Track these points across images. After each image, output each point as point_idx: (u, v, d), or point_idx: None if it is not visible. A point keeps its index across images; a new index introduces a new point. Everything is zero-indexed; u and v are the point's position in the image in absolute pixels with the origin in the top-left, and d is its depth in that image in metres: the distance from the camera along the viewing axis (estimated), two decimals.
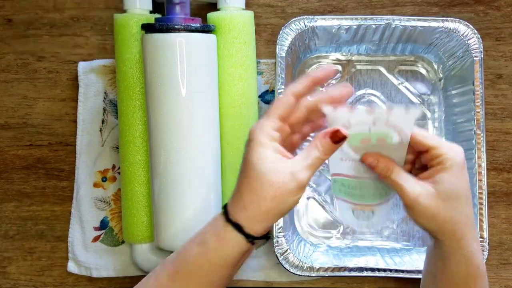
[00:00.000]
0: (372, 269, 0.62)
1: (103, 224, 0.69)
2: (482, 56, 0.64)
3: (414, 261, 0.64)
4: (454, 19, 0.64)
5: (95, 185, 0.69)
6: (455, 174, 0.48)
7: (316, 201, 0.69)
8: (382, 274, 0.62)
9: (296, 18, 0.64)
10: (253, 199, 0.46)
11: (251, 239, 0.47)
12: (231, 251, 0.47)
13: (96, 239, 0.69)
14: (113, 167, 0.70)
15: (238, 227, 0.46)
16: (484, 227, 0.62)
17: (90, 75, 0.70)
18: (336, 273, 0.62)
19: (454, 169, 0.48)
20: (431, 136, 0.49)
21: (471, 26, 0.64)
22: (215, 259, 0.48)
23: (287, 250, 0.62)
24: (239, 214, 0.47)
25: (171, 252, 0.65)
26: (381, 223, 0.66)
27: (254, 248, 0.49)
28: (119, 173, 0.69)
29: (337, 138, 0.46)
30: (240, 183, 0.47)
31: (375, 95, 0.70)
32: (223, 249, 0.47)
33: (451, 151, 0.48)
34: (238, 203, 0.47)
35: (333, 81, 0.70)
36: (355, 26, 0.64)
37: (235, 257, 0.48)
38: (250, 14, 0.65)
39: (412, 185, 0.48)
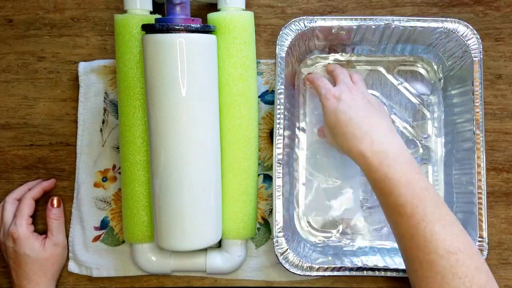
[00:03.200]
0: (372, 269, 0.62)
1: (104, 224, 0.69)
2: (481, 56, 0.64)
3: None
4: (453, 19, 0.64)
5: (96, 185, 0.69)
6: (325, 116, 0.60)
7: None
8: (382, 274, 0.62)
9: (296, 19, 0.64)
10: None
11: None
12: None
13: (96, 239, 0.69)
14: (114, 167, 0.70)
15: None
16: (484, 227, 0.62)
17: (90, 75, 0.70)
18: (336, 273, 0.62)
19: (325, 112, 0.60)
20: (318, 82, 0.63)
21: (470, 27, 0.64)
22: None
23: (287, 249, 0.62)
24: None
25: (171, 252, 0.66)
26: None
27: None
28: (119, 173, 0.69)
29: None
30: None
31: (374, 95, 0.70)
32: None
33: (323, 98, 0.60)
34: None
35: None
36: (354, 27, 0.65)
37: None
38: (250, 14, 0.65)
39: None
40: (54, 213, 0.67)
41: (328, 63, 0.69)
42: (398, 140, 0.57)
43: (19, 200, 0.67)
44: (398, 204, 0.53)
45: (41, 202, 0.69)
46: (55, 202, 0.68)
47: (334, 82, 0.64)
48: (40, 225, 0.70)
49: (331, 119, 0.59)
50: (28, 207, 0.66)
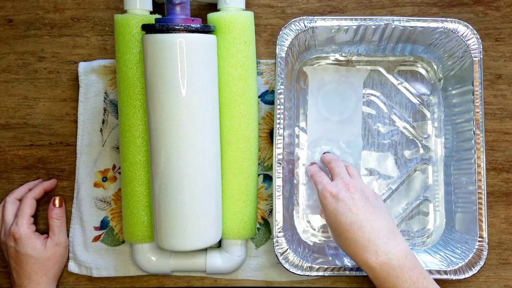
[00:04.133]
0: None
1: (104, 224, 0.69)
2: (481, 56, 0.64)
3: None
4: (453, 19, 0.64)
5: (96, 185, 0.69)
6: (325, 214, 0.59)
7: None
8: None
9: (296, 19, 0.64)
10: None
11: None
12: None
13: (96, 239, 0.69)
14: (114, 167, 0.70)
15: None
16: (484, 227, 0.63)
17: (90, 75, 0.70)
18: (336, 273, 0.62)
19: (324, 210, 0.60)
20: (316, 177, 0.63)
21: (470, 27, 0.64)
22: None
23: (287, 250, 0.62)
24: None
25: (171, 252, 0.66)
26: None
27: None
28: (119, 173, 0.69)
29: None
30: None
31: (374, 95, 0.70)
32: None
33: (320, 196, 0.60)
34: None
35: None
36: (354, 27, 0.65)
37: None
38: (250, 14, 0.65)
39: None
40: (56, 213, 0.67)
41: (324, 153, 0.68)
42: (402, 243, 0.57)
43: (20, 200, 0.67)
44: None
45: (42, 202, 0.69)
46: (57, 202, 0.68)
47: (331, 175, 0.64)
48: (40, 225, 0.70)
49: (331, 219, 0.58)
50: (29, 207, 0.66)
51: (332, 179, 0.62)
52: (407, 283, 0.54)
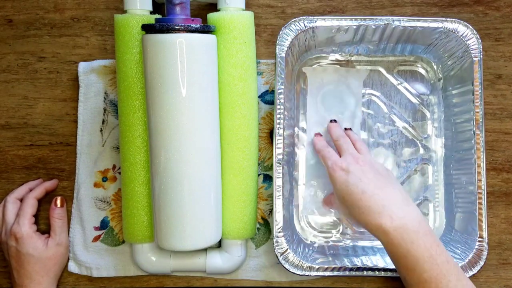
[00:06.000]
0: (372, 269, 0.62)
1: (104, 224, 0.69)
2: (481, 56, 0.64)
3: None
4: (453, 19, 0.64)
5: (96, 185, 0.69)
6: (335, 188, 0.60)
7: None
8: (382, 274, 0.62)
9: (296, 19, 0.64)
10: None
11: None
12: None
13: (96, 239, 0.69)
14: (114, 167, 0.70)
15: None
16: (484, 227, 0.63)
17: (90, 75, 0.70)
18: (336, 273, 0.62)
19: (334, 185, 0.60)
20: (325, 152, 0.63)
21: (470, 27, 0.64)
22: None
23: (287, 250, 0.62)
24: None
25: (171, 252, 0.66)
26: None
27: None
28: (119, 173, 0.69)
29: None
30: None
31: (374, 95, 0.70)
32: None
33: (330, 170, 0.60)
34: None
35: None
36: (354, 27, 0.65)
37: None
38: (250, 14, 0.65)
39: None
40: (58, 213, 0.67)
41: (329, 124, 0.68)
42: (415, 210, 0.57)
43: (20, 200, 0.67)
44: (422, 280, 0.54)
45: (42, 202, 0.69)
46: (58, 201, 0.68)
47: (338, 152, 0.64)
48: (41, 225, 0.70)
49: (343, 192, 0.58)
50: (31, 207, 0.66)
51: (340, 155, 0.62)
52: (421, 248, 0.54)
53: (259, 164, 0.69)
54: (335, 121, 0.68)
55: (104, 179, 0.70)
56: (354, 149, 0.62)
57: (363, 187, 0.57)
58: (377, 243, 0.68)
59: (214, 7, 0.66)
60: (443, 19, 0.64)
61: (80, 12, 0.72)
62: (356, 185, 0.57)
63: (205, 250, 0.66)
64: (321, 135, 0.68)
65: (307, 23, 0.64)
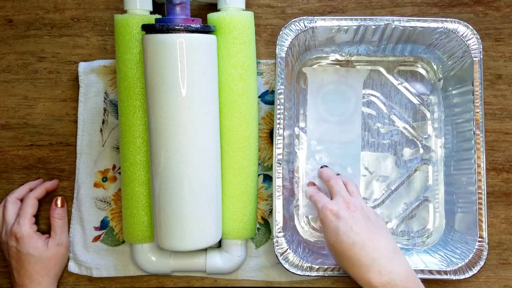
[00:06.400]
0: None
1: (104, 224, 0.69)
2: (481, 56, 0.64)
3: (414, 261, 0.64)
4: (453, 19, 0.64)
5: (96, 185, 0.69)
6: (325, 233, 0.59)
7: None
8: None
9: (296, 19, 0.64)
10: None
11: None
12: None
13: (96, 239, 0.69)
14: (114, 167, 0.70)
15: None
16: (484, 227, 0.63)
17: (90, 75, 0.70)
18: (336, 273, 0.62)
19: (324, 229, 0.60)
20: (316, 197, 0.63)
21: (470, 27, 0.64)
22: None
23: (287, 250, 0.62)
24: None
25: (171, 252, 0.66)
26: None
27: None
28: (119, 173, 0.69)
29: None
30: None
31: (374, 96, 0.70)
32: None
33: (321, 214, 0.60)
34: None
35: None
36: (354, 27, 0.65)
37: None
38: (250, 14, 0.65)
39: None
40: (58, 213, 0.67)
41: (321, 167, 0.68)
42: (404, 262, 0.57)
43: (21, 200, 0.67)
44: None
45: (42, 202, 0.69)
46: (59, 202, 0.68)
47: (330, 193, 0.64)
48: (41, 225, 0.70)
49: (332, 239, 0.58)
50: (31, 207, 0.66)
51: (331, 197, 0.62)
52: None
53: (259, 164, 0.69)
54: (326, 166, 0.68)
55: (104, 179, 0.70)
56: (345, 191, 0.62)
57: (353, 238, 0.56)
58: None
59: (214, 7, 0.66)
60: (443, 19, 0.64)
61: (80, 12, 0.72)
62: (347, 235, 0.57)
63: (205, 250, 0.66)
64: (314, 184, 0.68)
65: (307, 23, 0.64)
